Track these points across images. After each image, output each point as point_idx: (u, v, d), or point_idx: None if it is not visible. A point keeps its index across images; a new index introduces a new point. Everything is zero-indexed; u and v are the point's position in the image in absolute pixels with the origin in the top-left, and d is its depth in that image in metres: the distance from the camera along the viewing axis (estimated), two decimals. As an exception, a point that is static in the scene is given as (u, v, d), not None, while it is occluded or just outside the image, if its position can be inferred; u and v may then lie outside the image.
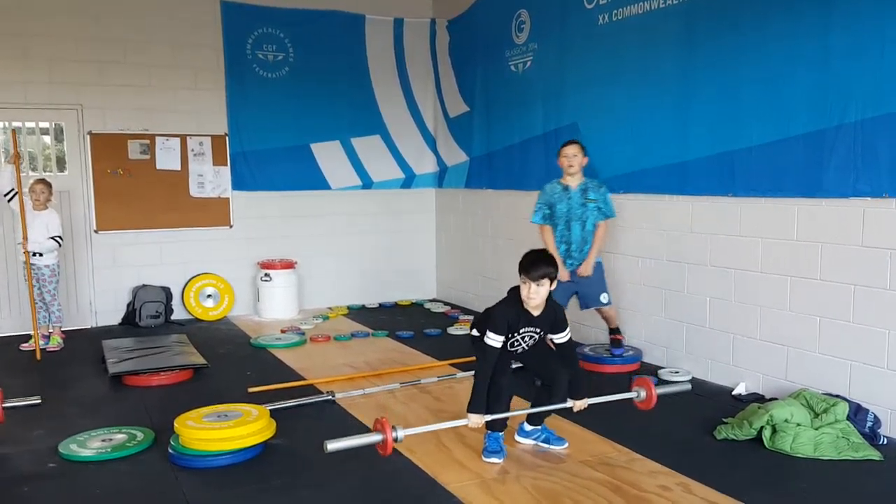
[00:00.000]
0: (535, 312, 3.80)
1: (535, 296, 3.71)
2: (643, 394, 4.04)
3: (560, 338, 3.95)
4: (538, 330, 3.86)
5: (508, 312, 3.78)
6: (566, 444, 4.06)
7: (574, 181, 5.34)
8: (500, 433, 3.92)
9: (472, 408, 3.72)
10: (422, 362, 5.87)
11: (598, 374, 5.41)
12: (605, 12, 5.95)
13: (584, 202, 5.32)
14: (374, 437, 3.39)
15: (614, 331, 5.60)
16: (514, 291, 3.83)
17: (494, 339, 3.74)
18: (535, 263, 3.71)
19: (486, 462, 3.82)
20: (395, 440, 3.39)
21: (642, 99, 5.64)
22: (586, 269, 5.34)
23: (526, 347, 3.91)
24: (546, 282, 3.71)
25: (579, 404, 3.93)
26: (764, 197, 4.77)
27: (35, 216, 6.28)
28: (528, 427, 4.11)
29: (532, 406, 4.05)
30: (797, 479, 3.61)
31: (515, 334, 3.81)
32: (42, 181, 6.41)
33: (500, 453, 3.86)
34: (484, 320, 3.87)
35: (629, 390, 4.09)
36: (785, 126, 4.58)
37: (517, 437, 4.14)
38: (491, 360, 3.76)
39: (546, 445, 4.05)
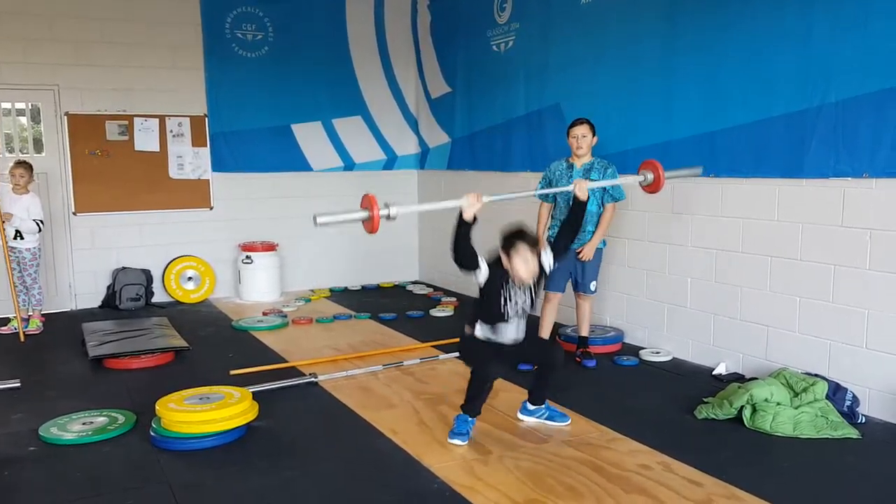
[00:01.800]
0: (528, 281, 3.74)
1: (533, 268, 3.67)
2: (650, 176, 4.03)
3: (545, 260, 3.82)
4: (529, 288, 3.79)
5: (499, 268, 3.73)
6: (569, 420, 4.08)
7: (581, 160, 5.17)
8: (473, 419, 3.89)
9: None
10: (404, 344, 5.87)
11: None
12: (588, -8, 5.93)
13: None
14: (361, 214, 3.52)
15: (584, 341, 5.36)
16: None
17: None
18: (528, 231, 3.70)
19: (450, 443, 3.80)
20: (388, 217, 3.50)
21: (625, 79, 5.63)
22: (587, 254, 5.13)
23: (521, 305, 3.77)
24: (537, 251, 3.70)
25: (580, 191, 3.93)
26: (745, 177, 4.79)
27: (15, 200, 6.18)
28: (530, 406, 4.12)
29: (531, 388, 4.07)
30: (777, 457, 3.65)
31: (507, 285, 3.72)
32: (22, 163, 6.28)
33: (464, 436, 3.82)
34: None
35: (637, 173, 4.11)
36: (767, 106, 4.59)
37: (520, 415, 4.16)
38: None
39: (550, 422, 4.07)
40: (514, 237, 3.68)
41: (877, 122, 4.01)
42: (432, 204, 3.69)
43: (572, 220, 4.02)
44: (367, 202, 3.50)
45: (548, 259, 3.81)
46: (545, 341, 3.97)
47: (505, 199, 4.00)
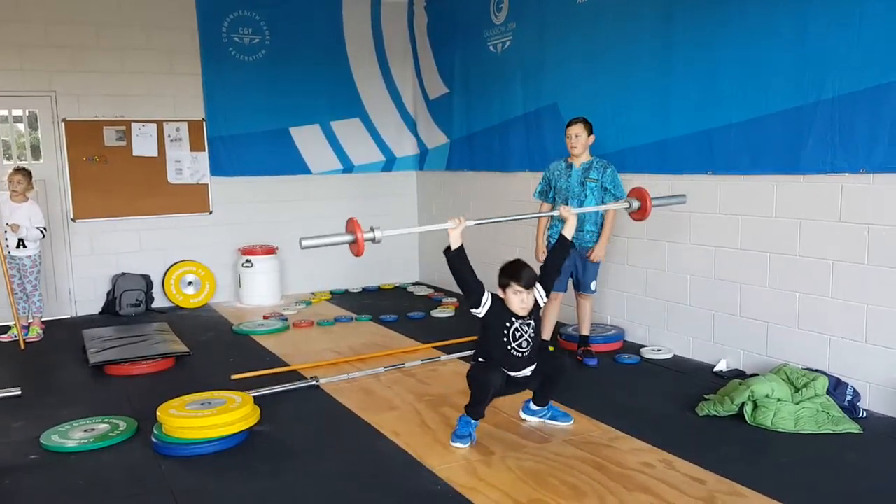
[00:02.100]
0: (523, 314, 3.79)
1: (528, 305, 3.75)
2: (635, 204, 4.12)
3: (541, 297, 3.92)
4: (530, 319, 3.81)
5: (498, 304, 3.81)
6: (572, 420, 4.08)
7: (579, 160, 5.18)
8: (476, 421, 3.88)
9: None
10: (406, 346, 5.86)
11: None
12: (584, -9, 5.93)
13: (584, 181, 5.12)
14: (346, 238, 3.59)
15: (585, 340, 5.38)
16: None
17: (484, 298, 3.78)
18: (524, 269, 3.75)
19: (452, 446, 3.79)
20: (373, 240, 3.58)
21: (622, 78, 5.63)
22: (598, 255, 5.13)
23: (529, 340, 3.80)
24: (533, 289, 3.77)
25: (565, 212, 4.06)
26: (743, 174, 4.79)
27: (14, 208, 6.15)
28: (533, 406, 4.12)
29: (536, 389, 4.06)
30: (779, 453, 3.65)
31: (513, 322, 3.76)
32: (20, 170, 6.21)
33: (466, 438, 3.81)
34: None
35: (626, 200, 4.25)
36: (763, 103, 4.59)
37: (522, 414, 4.16)
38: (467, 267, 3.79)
39: (553, 422, 4.07)
40: (509, 275, 3.76)
41: (873, 117, 4.01)
42: (418, 228, 3.78)
43: (558, 253, 4.09)
44: (352, 226, 3.56)
45: (540, 295, 3.88)
46: (552, 354, 4.00)
47: (487, 222, 4.09)
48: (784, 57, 4.45)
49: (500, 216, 4.51)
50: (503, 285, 3.78)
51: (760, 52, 4.58)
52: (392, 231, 3.79)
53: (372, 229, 3.62)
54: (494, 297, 3.81)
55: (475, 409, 3.85)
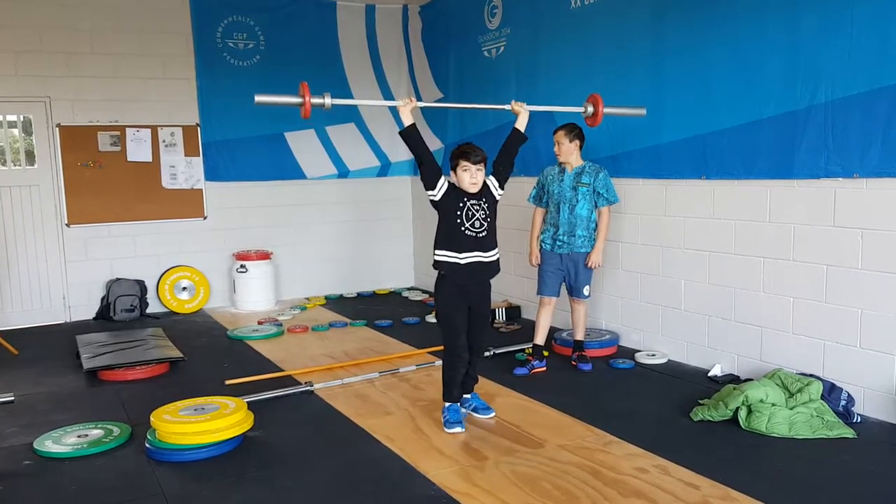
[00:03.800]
0: (473, 190, 4.02)
1: (477, 181, 3.98)
2: (590, 109, 4.42)
3: (498, 189, 4.16)
4: (482, 200, 4.04)
5: (452, 189, 4.05)
6: (493, 413, 4.25)
7: (571, 165, 5.19)
8: (457, 404, 4.14)
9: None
10: (400, 351, 5.86)
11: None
12: (578, -4, 5.94)
13: (576, 186, 5.14)
14: (295, 99, 3.77)
15: (579, 345, 5.36)
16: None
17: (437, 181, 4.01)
18: (474, 149, 3.99)
19: (449, 433, 4.01)
20: (322, 106, 3.84)
21: (615, 83, 5.64)
22: (595, 260, 5.14)
23: (482, 222, 4.03)
24: (483, 166, 4.01)
25: (517, 107, 4.24)
26: (736, 179, 4.80)
27: None
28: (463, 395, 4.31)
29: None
30: (773, 458, 3.65)
31: (463, 201, 4.00)
32: None
33: (461, 423, 4.06)
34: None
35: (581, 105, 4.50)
36: (756, 108, 4.60)
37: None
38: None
39: (475, 414, 4.25)
40: (458, 155, 4.01)
41: (866, 122, 4.02)
42: (369, 101, 4.08)
43: (509, 142, 4.24)
44: (302, 90, 3.77)
45: (494, 185, 4.12)
46: (484, 337, 4.32)
47: (439, 106, 4.35)
48: (776, 62, 4.46)
49: (453, 104, 4.80)
50: (454, 166, 4.02)
51: (753, 57, 4.60)
52: (341, 100, 4.20)
53: (323, 96, 3.85)
54: (450, 184, 4.04)
55: (453, 391, 4.12)
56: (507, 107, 4.29)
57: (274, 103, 3.86)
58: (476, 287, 4.13)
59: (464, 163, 3.96)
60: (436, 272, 4.10)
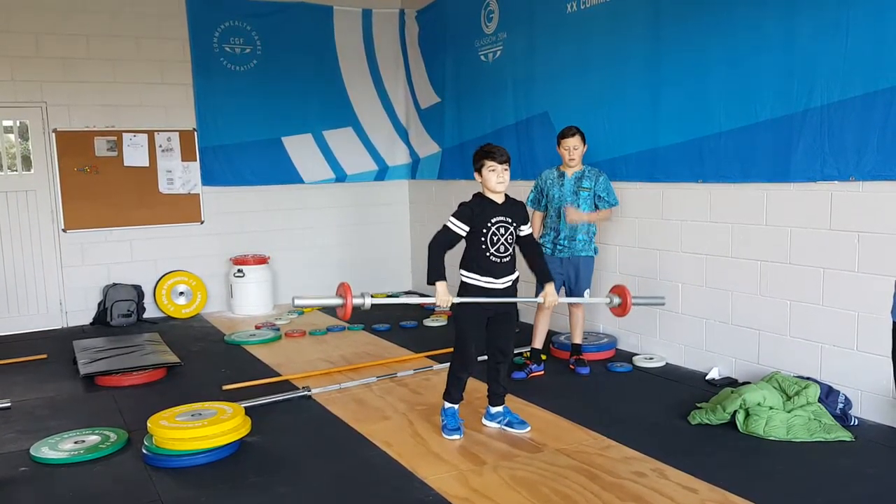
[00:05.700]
0: (499, 199, 3.97)
1: (504, 181, 3.90)
2: (616, 300, 4.32)
3: (524, 230, 4.08)
4: (508, 219, 3.96)
5: (471, 203, 3.98)
6: (528, 428, 4.12)
7: (571, 169, 5.21)
8: (456, 406, 4.09)
9: (433, 277, 3.88)
10: (398, 355, 5.85)
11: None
12: (574, 0, 5.95)
13: (577, 190, 5.16)
14: (336, 301, 3.79)
15: (577, 349, 5.37)
16: (475, 195, 4.03)
17: (456, 224, 3.92)
18: (499, 149, 3.91)
19: (448, 440, 3.97)
20: (362, 307, 3.79)
21: (612, 87, 5.65)
22: (578, 214, 5.12)
23: (507, 246, 3.96)
24: (508, 166, 3.92)
25: (550, 296, 4.11)
26: (733, 183, 4.81)
27: None
28: (493, 410, 4.18)
29: (488, 386, 4.19)
30: (771, 461, 3.65)
31: (489, 225, 3.90)
32: None
33: (459, 430, 4.03)
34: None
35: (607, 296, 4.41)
36: (753, 112, 4.61)
37: (484, 421, 4.22)
38: (446, 238, 3.92)
39: (509, 429, 4.13)
40: (482, 155, 3.93)
41: (861, 125, 4.03)
42: (407, 299, 4.04)
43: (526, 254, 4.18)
44: (342, 290, 3.78)
45: (522, 231, 4.07)
46: (509, 342, 4.20)
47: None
48: (773, 66, 4.47)
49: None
50: (479, 167, 3.94)
51: (749, 61, 4.60)
52: (381, 300, 4.08)
53: (363, 295, 3.82)
54: (470, 209, 3.93)
55: (456, 393, 4.05)
56: (539, 300, 4.25)
57: (314, 307, 3.87)
58: (499, 304, 4.06)
59: (489, 163, 3.89)
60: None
